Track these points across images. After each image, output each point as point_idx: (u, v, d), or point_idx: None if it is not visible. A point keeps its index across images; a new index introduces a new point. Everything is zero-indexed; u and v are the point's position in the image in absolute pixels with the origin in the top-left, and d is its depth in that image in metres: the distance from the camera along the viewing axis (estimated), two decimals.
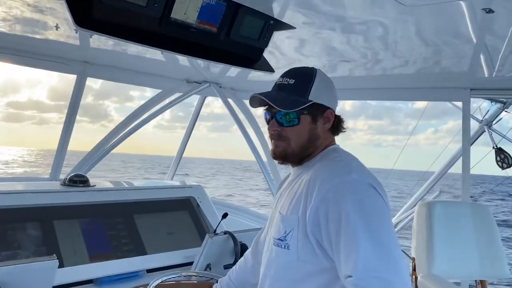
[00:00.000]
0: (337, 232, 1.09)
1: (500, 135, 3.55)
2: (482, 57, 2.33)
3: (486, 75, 2.64)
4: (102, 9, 1.45)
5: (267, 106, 1.32)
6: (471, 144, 3.22)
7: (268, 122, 1.33)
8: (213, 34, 1.74)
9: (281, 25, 1.87)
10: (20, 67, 2.95)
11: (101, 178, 2.93)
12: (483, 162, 4.13)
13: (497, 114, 3.51)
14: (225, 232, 2.29)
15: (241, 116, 3.90)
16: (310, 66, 1.36)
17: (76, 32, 2.29)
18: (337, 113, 1.34)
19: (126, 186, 2.88)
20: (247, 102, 4.00)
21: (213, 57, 1.87)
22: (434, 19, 1.82)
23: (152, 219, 2.58)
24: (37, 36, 2.48)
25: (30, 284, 1.60)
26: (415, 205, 3.61)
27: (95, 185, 2.53)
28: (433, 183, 3.74)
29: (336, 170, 1.21)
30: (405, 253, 2.77)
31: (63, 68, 2.99)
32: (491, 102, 3.47)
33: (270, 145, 1.39)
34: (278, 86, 1.31)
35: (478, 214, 2.37)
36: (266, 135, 4.03)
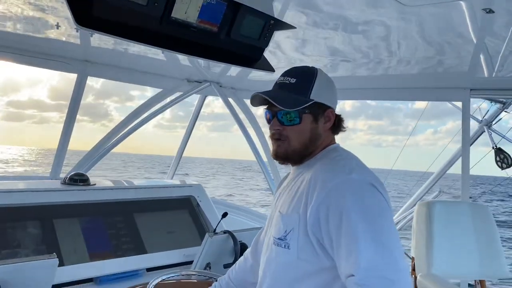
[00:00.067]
0: (338, 231, 1.09)
1: (499, 135, 3.55)
2: (482, 57, 2.33)
3: (486, 75, 2.65)
4: (102, 8, 1.45)
5: (267, 105, 1.31)
6: (471, 144, 3.22)
7: (269, 121, 1.32)
8: (214, 33, 1.74)
9: (282, 25, 1.87)
10: (21, 66, 2.95)
11: (101, 177, 2.93)
12: (482, 162, 4.13)
13: (496, 114, 3.51)
14: (225, 231, 2.29)
15: (241, 115, 3.90)
16: (310, 65, 1.36)
17: (77, 31, 2.29)
18: (336, 112, 1.34)
19: (126, 185, 2.88)
20: (247, 101, 4.00)
21: (214, 56, 1.87)
22: (434, 19, 1.83)
23: (152, 218, 2.58)
24: (38, 35, 2.48)
25: (30, 282, 1.60)
26: (414, 205, 3.62)
27: (95, 184, 2.54)
28: (432, 183, 3.74)
29: (337, 169, 1.21)
30: (404, 253, 2.77)
31: (64, 67, 2.99)
32: (491, 102, 3.47)
33: (270, 145, 1.38)
34: (279, 85, 1.30)
35: (477, 214, 2.37)
36: (267, 135, 4.04)
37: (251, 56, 1.98)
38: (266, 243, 1.36)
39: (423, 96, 3.31)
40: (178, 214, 2.73)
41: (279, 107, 1.24)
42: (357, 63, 2.70)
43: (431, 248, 2.23)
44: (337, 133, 1.36)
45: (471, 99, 2.95)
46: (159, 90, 3.69)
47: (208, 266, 2.21)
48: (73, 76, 3.13)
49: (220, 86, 3.71)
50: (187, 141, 4.34)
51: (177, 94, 3.69)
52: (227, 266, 2.21)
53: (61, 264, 1.79)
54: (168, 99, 3.69)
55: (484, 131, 3.55)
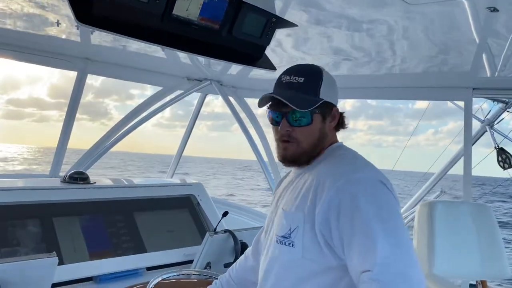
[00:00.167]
0: (351, 228, 1.08)
1: (502, 135, 3.54)
2: (484, 56, 2.32)
3: (489, 75, 2.64)
4: (103, 5, 1.44)
5: (272, 106, 1.27)
6: (473, 144, 3.21)
7: (275, 123, 1.27)
8: (215, 31, 1.73)
9: (284, 23, 1.86)
10: (20, 64, 2.95)
11: (101, 176, 2.92)
12: (482, 163, 4.12)
13: (499, 114, 3.50)
14: (226, 231, 2.28)
15: (242, 114, 3.89)
16: (311, 63, 1.34)
17: (77, 29, 2.28)
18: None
19: (126, 183, 2.87)
20: (248, 100, 3.99)
21: (215, 54, 1.86)
22: (437, 18, 1.82)
23: (152, 217, 2.57)
24: (38, 32, 2.47)
25: (30, 281, 1.59)
26: (415, 205, 3.61)
27: (95, 183, 2.53)
28: (433, 184, 3.73)
29: (347, 167, 1.20)
30: None
31: (64, 64, 2.98)
32: (493, 102, 3.46)
33: (272, 147, 1.36)
34: (287, 85, 1.25)
35: (479, 214, 2.36)
36: (268, 134, 4.02)
37: (253, 54, 1.97)
38: (267, 242, 1.34)
39: (425, 95, 3.30)
40: (178, 213, 2.72)
41: (292, 108, 1.20)
42: (359, 62, 2.69)
43: (433, 248, 2.22)
44: (338, 130, 1.35)
45: (473, 99, 2.94)
46: (159, 88, 3.68)
47: (208, 265, 2.20)
48: (73, 74, 3.12)
49: (221, 84, 3.70)
50: (187, 140, 4.33)
51: (177, 92, 3.68)
52: (227, 265, 2.20)
53: (60, 262, 1.78)
54: (168, 98, 3.68)
55: (486, 131, 3.54)
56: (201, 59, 3.00)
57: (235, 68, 3.23)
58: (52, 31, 2.40)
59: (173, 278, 1.77)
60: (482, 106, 3.74)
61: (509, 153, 3.49)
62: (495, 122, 3.55)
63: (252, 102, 4.09)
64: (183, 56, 2.90)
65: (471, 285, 2.73)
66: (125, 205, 2.51)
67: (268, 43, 1.91)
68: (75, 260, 2.10)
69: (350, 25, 1.98)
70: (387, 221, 1.08)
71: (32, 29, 2.42)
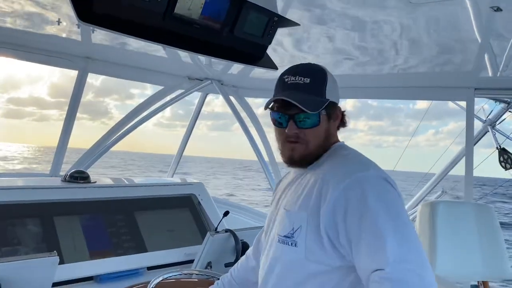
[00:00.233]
0: (359, 228, 1.08)
1: (504, 135, 3.53)
2: (486, 56, 2.31)
3: (491, 75, 2.63)
4: (105, 3, 1.44)
5: (276, 108, 1.24)
6: (474, 144, 3.20)
7: (279, 124, 1.25)
8: (217, 30, 1.72)
9: (286, 22, 1.85)
10: (21, 63, 2.94)
11: (101, 175, 2.92)
12: (483, 163, 4.11)
13: (501, 114, 3.49)
14: (226, 230, 2.28)
15: (242, 114, 3.88)
16: (312, 63, 1.33)
17: (78, 27, 2.27)
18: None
19: (127, 183, 2.87)
20: (249, 99, 3.98)
21: (217, 53, 1.85)
22: (440, 18, 1.81)
23: (152, 216, 2.57)
24: (39, 31, 2.47)
25: (30, 280, 1.59)
26: (416, 206, 3.60)
27: (95, 182, 2.52)
28: (434, 184, 3.72)
29: (351, 167, 1.19)
30: None
31: (65, 63, 2.98)
32: (495, 102, 3.45)
33: (275, 148, 1.31)
34: (293, 86, 1.22)
35: (481, 214, 2.35)
36: (269, 134, 4.00)
37: (254, 53, 1.97)
38: (268, 242, 1.33)
39: (426, 95, 3.29)
40: (179, 213, 2.72)
41: (301, 110, 1.17)
42: (360, 61, 2.68)
43: (434, 248, 2.21)
44: (339, 129, 1.34)
45: (475, 99, 2.93)
46: (159, 88, 3.68)
47: (209, 265, 2.20)
48: (74, 73, 3.12)
49: (222, 84, 3.69)
50: (187, 140, 4.33)
51: (178, 92, 3.68)
52: (228, 265, 2.19)
53: (61, 262, 1.78)
54: (168, 97, 3.68)
55: (488, 131, 3.53)
56: (202, 58, 2.99)
57: (236, 68, 3.22)
58: (53, 30, 2.40)
59: (174, 277, 1.77)
60: (483, 106, 3.74)
61: (511, 154, 3.48)
62: (497, 122, 3.54)
63: (253, 101, 4.09)
64: (184, 55, 2.90)
65: (472, 285, 2.72)
66: (126, 204, 2.51)
67: (269, 42, 1.90)
68: (76, 260, 2.09)
69: (352, 24, 1.97)
70: (395, 219, 1.08)
71: (33, 28, 2.41)
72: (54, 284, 1.75)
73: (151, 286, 1.64)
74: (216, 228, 2.31)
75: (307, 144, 1.23)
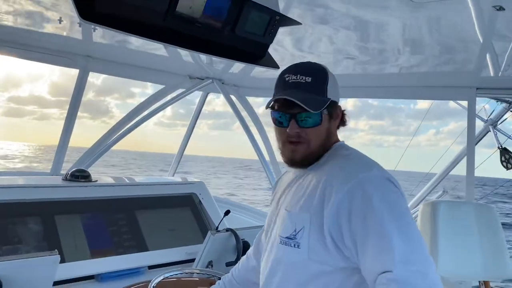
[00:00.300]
0: (364, 229, 1.07)
1: (505, 135, 3.52)
2: (488, 56, 2.31)
3: (492, 74, 2.62)
4: (107, 2, 1.44)
5: (278, 107, 1.22)
6: (476, 144, 3.19)
7: (279, 124, 1.23)
8: (218, 29, 1.72)
9: (287, 21, 1.85)
10: (22, 61, 2.94)
11: (102, 174, 2.92)
12: (483, 163, 4.10)
13: (502, 114, 3.48)
14: (227, 229, 2.28)
15: (243, 113, 3.88)
16: (313, 62, 1.31)
17: (80, 26, 2.27)
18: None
19: (128, 182, 2.87)
20: (250, 99, 3.98)
21: (218, 52, 1.85)
22: (442, 17, 1.80)
23: (153, 215, 2.57)
24: (40, 30, 2.46)
25: (31, 279, 1.59)
26: (417, 206, 3.60)
27: (96, 181, 2.52)
28: (435, 184, 3.72)
29: (354, 167, 1.18)
30: None
31: (66, 62, 2.98)
32: (497, 101, 3.44)
33: (276, 148, 1.29)
34: (295, 85, 1.21)
35: (482, 214, 2.35)
36: (270, 134, 4.00)
37: (256, 52, 1.97)
38: (269, 243, 1.31)
39: (428, 95, 3.28)
40: (180, 212, 2.72)
41: (303, 109, 1.16)
42: (361, 60, 2.68)
43: (436, 248, 2.21)
44: (339, 128, 1.33)
45: (477, 99, 2.92)
46: (160, 87, 3.67)
47: (210, 264, 2.20)
48: (74, 72, 3.12)
49: (223, 83, 3.69)
50: (188, 139, 4.32)
51: (179, 91, 3.67)
52: (229, 264, 2.19)
53: (62, 261, 1.78)
54: (169, 97, 3.67)
55: (490, 131, 3.52)
56: (203, 57, 2.99)
57: (237, 67, 3.21)
58: (54, 28, 2.40)
59: (175, 276, 1.77)
60: (485, 106, 3.74)
61: None
62: (498, 122, 3.54)
63: (254, 100, 4.09)
64: (185, 54, 2.89)
65: (473, 286, 2.72)
66: (127, 203, 2.51)
67: (271, 41, 1.90)
68: (77, 258, 2.09)
69: (353, 23, 1.97)
70: (400, 219, 1.07)
71: (34, 27, 2.41)
72: (55, 283, 1.75)
73: (152, 285, 1.64)
74: (217, 227, 2.31)
75: (308, 144, 1.22)
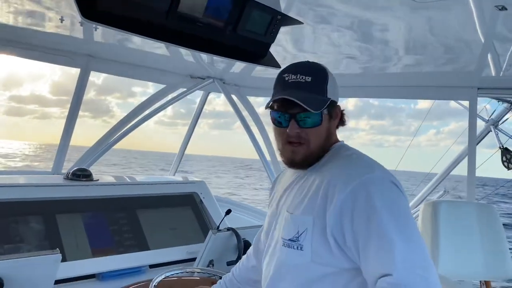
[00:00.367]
0: (366, 231, 1.06)
1: (506, 135, 3.52)
2: (489, 55, 2.30)
3: (494, 74, 2.62)
4: (108, 1, 1.44)
5: (278, 107, 1.21)
6: (477, 144, 3.19)
7: (279, 124, 1.21)
8: (220, 28, 1.72)
9: (289, 20, 1.85)
10: (23, 61, 2.95)
11: (103, 173, 2.92)
12: (484, 164, 4.10)
13: (504, 113, 3.48)
14: (228, 229, 2.28)
15: (244, 112, 3.88)
16: (314, 61, 1.30)
17: (81, 25, 2.27)
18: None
19: (129, 181, 2.87)
20: (250, 98, 3.98)
21: (220, 52, 1.85)
22: (443, 17, 1.80)
23: (155, 215, 2.57)
24: (41, 29, 2.47)
25: (33, 277, 1.59)
26: (418, 205, 3.60)
27: (98, 180, 2.53)
28: (436, 183, 3.71)
29: (356, 168, 1.17)
30: None
31: (67, 61, 2.98)
32: (498, 101, 3.44)
33: (275, 148, 1.28)
34: (295, 84, 1.19)
35: (484, 214, 2.35)
36: (270, 133, 4.00)
37: (257, 52, 1.96)
38: (272, 245, 1.30)
39: (429, 94, 3.28)
40: (181, 211, 2.72)
41: (303, 109, 1.15)
42: (363, 60, 2.68)
43: (437, 248, 2.21)
44: (338, 128, 1.32)
45: (478, 99, 2.92)
46: (161, 86, 3.67)
47: (211, 263, 2.20)
48: (75, 71, 3.12)
49: (224, 82, 3.69)
50: (189, 138, 4.33)
51: (180, 90, 3.67)
52: (230, 263, 2.19)
53: (63, 259, 1.78)
54: (170, 96, 3.68)
55: (491, 131, 3.52)
56: (204, 56, 2.99)
57: (238, 66, 3.21)
58: (55, 27, 2.40)
59: (176, 275, 1.77)
60: (486, 106, 3.73)
61: None
62: (500, 122, 3.53)
63: (254, 100, 4.09)
64: (186, 54, 2.89)
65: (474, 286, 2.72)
66: (128, 202, 2.52)
67: (273, 40, 1.90)
68: (78, 257, 2.10)
69: (355, 23, 1.97)
70: (403, 223, 1.07)
71: (35, 26, 2.41)
72: (56, 282, 1.75)
73: (153, 284, 1.64)
74: (218, 226, 2.31)
75: (308, 144, 1.21)
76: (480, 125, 3.58)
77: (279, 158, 1.32)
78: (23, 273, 1.56)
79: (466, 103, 3.05)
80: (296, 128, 1.19)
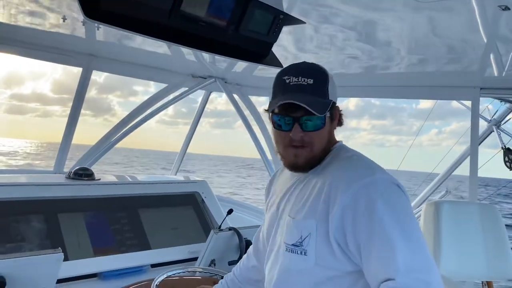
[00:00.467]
0: (368, 234, 1.06)
1: (509, 136, 3.51)
2: (492, 55, 2.30)
3: (496, 74, 2.62)
4: (111, 0, 1.44)
5: (280, 111, 1.18)
6: (479, 144, 3.19)
7: (280, 127, 1.19)
8: (223, 28, 1.72)
9: (291, 20, 1.85)
10: (24, 59, 2.94)
11: (105, 172, 2.92)
12: (486, 164, 4.10)
13: (506, 114, 3.47)
14: (230, 228, 2.28)
15: (246, 112, 3.87)
16: (317, 62, 1.28)
17: (83, 24, 2.27)
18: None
19: (131, 180, 2.87)
20: (252, 98, 3.98)
21: (222, 51, 1.85)
22: (445, 16, 1.80)
23: (156, 214, 2.57)
24: (43, 28, 2.47)
25: (35, 276, 1.59)
26: (420, 205, 3.60)
27: (99, 179, 2.53)
28: (438, 184, 3.71)
29: (359, 171, 1.16)
30: None
31: (69, 60, 2.98)
32: (501, 101, 3.43)
33: (276, 151, 1.25)
34: (297, 87, 1.16)
35: (486, 214, 2.34)
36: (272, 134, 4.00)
37: (260, 51, 1.96)
38: (274, 250, 1.28)
39: (431, 94, 3.27)
40: (182, 210, 2.72)
41: (307, 112, 1.13)
42: (365, 60, 2.67)
43: (439, 248, 2.21)
44: (335, 128, 1.30)
45: (480, 99, 2.91)
46: (163, 85, 3.67)
47: (213, 262, 2.20)
48: (77, 70, 3.12)
49: (225, 82, 3.68)
50: (191, 137, 4.32)
51: (182, 89, 3.67)
52: (232, 263, 2.20)
53: (65, 259, 1.78)
54: (171, 95, 3.67)
55: (493, 131, 3.51)
56: (206, 56, 2.99)
57: (240, 66, 3.21)
58: (58, 27, 2.40)
59: (178, 275, 1.77)
60: (488, 106, 3.73)
61: None
62: (502, 122, 3.52)
63: (256, 99, 4.09)
64: (187, 53, 2.89)
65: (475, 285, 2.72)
66: (130, 201, 2.52)
67: (275, 40, 1.90)
68: (80, 257, 2.10)
69: (357, 22, 1.96)
70: (405, 226, 1.06)
71: (37, 25, 2.41)
72: (58, 281, 1.75)
73: (155, 283, 1.64)
74: (220, 226, 2.31)
75: (311, 148, 1.19)
76: (483, 125, 3.58)
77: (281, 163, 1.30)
78: (25, 272, 1.56)
79: (468, 103, 3.05)
80: (300, 132, 1.17)
